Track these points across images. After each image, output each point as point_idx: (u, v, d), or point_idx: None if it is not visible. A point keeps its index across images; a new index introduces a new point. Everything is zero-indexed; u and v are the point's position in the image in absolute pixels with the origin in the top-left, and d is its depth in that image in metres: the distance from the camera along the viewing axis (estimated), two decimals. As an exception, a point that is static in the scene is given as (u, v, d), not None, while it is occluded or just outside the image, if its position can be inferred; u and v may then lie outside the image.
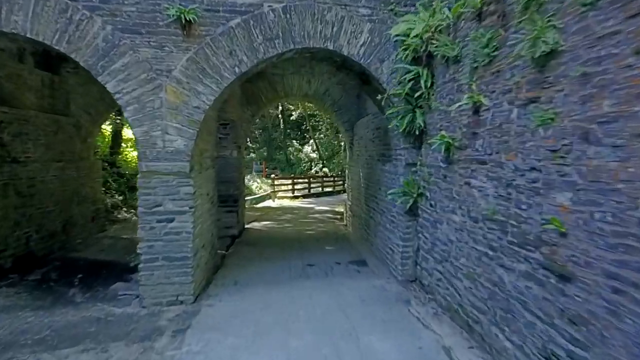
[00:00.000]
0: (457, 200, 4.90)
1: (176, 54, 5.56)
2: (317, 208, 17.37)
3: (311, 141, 44.90)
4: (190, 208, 5.72)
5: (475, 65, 4.38)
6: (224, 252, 8.86)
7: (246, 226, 12.09)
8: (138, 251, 5.69)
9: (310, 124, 43.92)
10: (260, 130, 50.37)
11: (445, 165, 5.30)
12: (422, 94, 6.00)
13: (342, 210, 16.78)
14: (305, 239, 10.17)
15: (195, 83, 5.62)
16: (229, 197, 10.27)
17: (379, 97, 6.66)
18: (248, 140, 48.85)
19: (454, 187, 4.99)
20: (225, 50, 5.69)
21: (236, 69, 5.77)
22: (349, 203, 11.95)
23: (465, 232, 4.63)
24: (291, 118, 46.59)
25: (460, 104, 4.53)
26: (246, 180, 31.22)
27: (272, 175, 20.95)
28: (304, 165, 43.26)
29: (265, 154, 47.38)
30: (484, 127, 4.20)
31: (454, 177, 4.98)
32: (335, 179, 28.18)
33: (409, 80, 6.15)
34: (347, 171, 12.93)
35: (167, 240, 5.68)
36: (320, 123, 44.41)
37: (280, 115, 48.30)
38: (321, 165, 41.75)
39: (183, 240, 5.73)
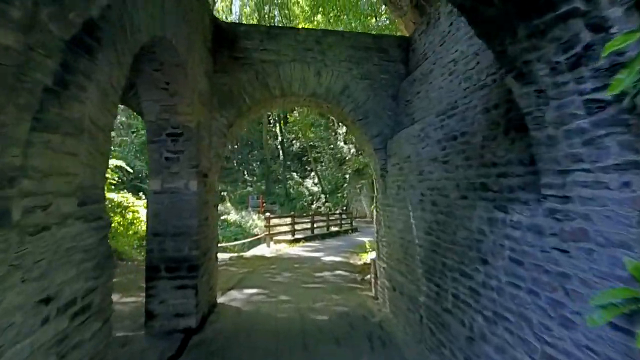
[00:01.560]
0: None
1: None
2: (326, 259, 12.81)
3: (313, 174, 40.68)
4: None
5: None
6: (154, 382, 4.33)
7: (219, 299, 7.56)
8: None
9: (312, 155, 39.81)
10: (259, 162, 46.25)
11: None
12: None
13: (359, 262, 12.26)
14: (314, 337, 5.60)
15: None
16: (182, 262, 5.78)
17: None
18: (246, 170, 45.03)
19: None
20: None
21: None
22: (382, 264, 7.45)
23: None
24: (291, 149, 42.48)
25: None
26: (240, 218, 26.80)
27: (267, 214, 16.45)
28: (304, 200, 38.91)
29: (263, 187, 43.16)
30: None
31: None
32: (343, 216, 23.71)
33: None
34: (374, 211, 8.50)
35: None
36: (323, 154, 40.33)
37: (279, 146, 44.22)
38: (324, 200, 37.39)
39: None
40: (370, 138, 7.32)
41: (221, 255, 14.25)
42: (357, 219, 27.51)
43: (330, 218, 21.57)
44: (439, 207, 4.74)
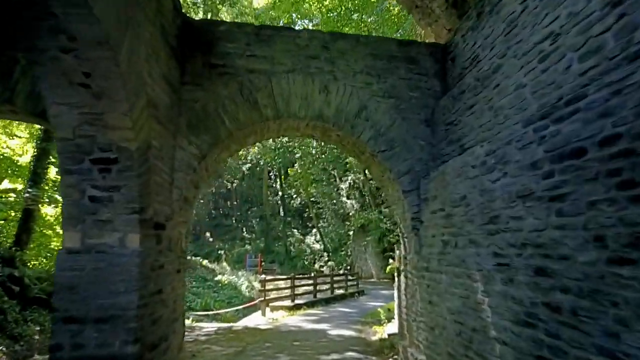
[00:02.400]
0: None
1: None
2: (333, 334, 10.31)
3: (314, 230, 38.33)
4: None
5: None
6: None
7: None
8: None
9: (314, 211, 37.66)
10: (258, 219, 44.01)
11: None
12: None
13: (374, 337, 9.81)
14: None
15: None
16: (108, 368, 3.55)
17: None
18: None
19: None
20: None
21: None
22: (419, 355, 5.09)
23: None
24: (292, 204, 40.35)
25: None
26: (235, 278, 24.23)
27: (263, 277, 14.02)
28: (306, 258, 36.32)
29: (262, 245, 40.71)
30: None
31: None
32: (348, 277, 21.19)
33: None
34: (401, 277, 6.29)
35: None
36: (325, 210, 38.21)
37: (279, 202, 42.19)
38: (326, 259, 34.84)
39: None
40: (396, 176, 5.26)
41: (209, 326, 11.79)
42: (362, 280, 24.92)
43: (335, 279, 19.09)
44: (556, 280, 2.57)
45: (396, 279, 10.13)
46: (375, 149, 5.26)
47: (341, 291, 19.28)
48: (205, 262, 26.88)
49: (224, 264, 26.00)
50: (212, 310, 16.85)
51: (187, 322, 13.24)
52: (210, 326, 11.99)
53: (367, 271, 28.96)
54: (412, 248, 5.39)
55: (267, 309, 13.92)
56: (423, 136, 5.35)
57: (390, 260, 10.79)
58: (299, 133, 5.81)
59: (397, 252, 9.63)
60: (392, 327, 10.03)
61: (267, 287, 13.57)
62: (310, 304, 15.45)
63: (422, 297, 4.96)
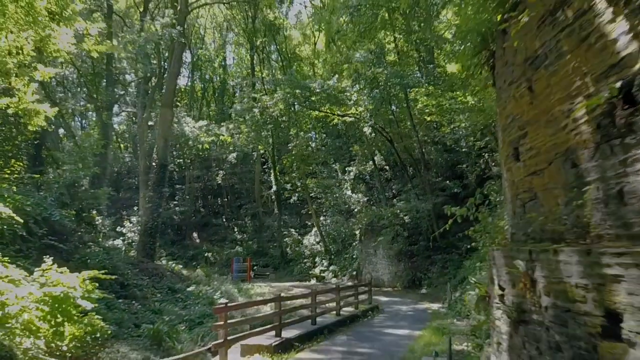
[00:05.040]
0: None
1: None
2: None
3: (314, 230, 32.52)
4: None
5: None
6: None
7: None
8: None
9: (313, 207, 31.84)
10: (250, 217, 38.22)
11: None
12: None
13: None
14: None
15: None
16: None
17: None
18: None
19: None
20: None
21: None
22: None
23: None
24: (288, 195, 34.35)
25: None
26: (210, 290, 18.49)
27: (221, 303, 7.92)
28: (304, 262, 30.55)
29: (255, 246, 34.93)
30: None
31: None
32: (359, 289, 15.41)
33: None
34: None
35: None
36: (326, 206, 32.42)
37: (274, 197, 36.36)
38: (327, 263, 29.04)
39: None
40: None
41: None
42: (372, 289, 19.14)
43: (342, 294, 13.33)
44: None
45: (499, 326, 4.28)
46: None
47: (350, 309, 13.60)
48: (177, 267, 21.15)
49: (198, 270, 20.19)
50: (165, 343, 10.95)
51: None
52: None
53: (377, 278, 23.14)
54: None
55: (235, 353, 8.14)
56: None
57: (472, 280, 5.00)
58: None
59: (496, 269, 3.84)
60: None
61: (229, 319, 7.72)
62: (305, 338, 9.63)
63: None
